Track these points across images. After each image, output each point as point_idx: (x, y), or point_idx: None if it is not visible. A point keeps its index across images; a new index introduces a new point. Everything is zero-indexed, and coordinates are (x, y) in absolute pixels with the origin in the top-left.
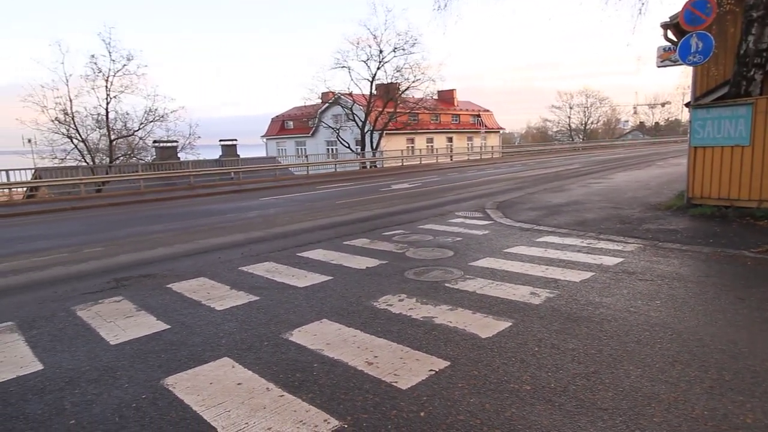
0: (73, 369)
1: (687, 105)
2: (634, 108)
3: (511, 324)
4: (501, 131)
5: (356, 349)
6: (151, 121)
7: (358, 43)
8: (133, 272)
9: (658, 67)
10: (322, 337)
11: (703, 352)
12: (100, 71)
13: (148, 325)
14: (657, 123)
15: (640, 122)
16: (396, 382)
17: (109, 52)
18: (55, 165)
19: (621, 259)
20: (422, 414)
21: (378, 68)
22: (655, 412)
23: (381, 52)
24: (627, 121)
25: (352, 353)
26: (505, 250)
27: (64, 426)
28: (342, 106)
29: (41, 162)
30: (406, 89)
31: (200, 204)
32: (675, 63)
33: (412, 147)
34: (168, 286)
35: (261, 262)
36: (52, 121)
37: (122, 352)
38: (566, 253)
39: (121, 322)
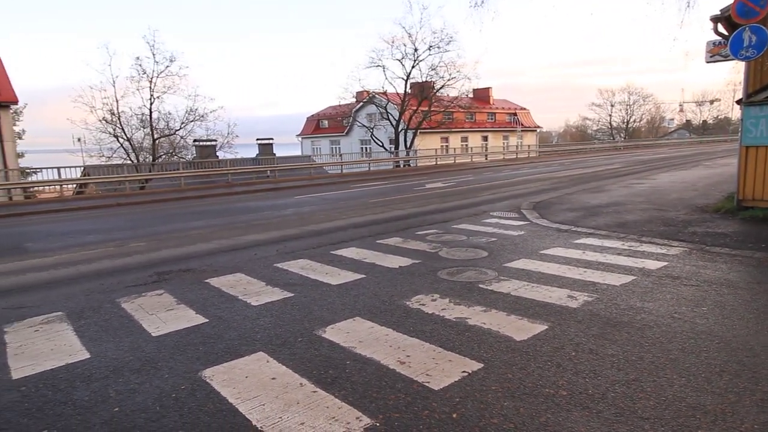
0: (118, 359)
1: (738, 102)
2: (681, 105)
3: (547, 327)
4: (538, 130)
5: (388, 347)
6: (192, 121)
7: (393, 42)
8: (173, 267)
9: (707, 62)
10: (355, 334)
11: (753, 363)
12: (145, 72)
13: (187, 318)
14: (705, 121)
15: (687, 120)
16: (428, 382)
17: (153, 54)
18: (102, 163)
19: (665, 263)
20: (454, 415)
21: (413, 67)
22: (701, 424)
23: (416, 50)
24: (672, 120)
25: (384, 352)
26: (542, 252)
27: (108, 413)
28: (376, 105)
29: (90, 160)
30: (440, 88)
31: (237, 201)
32: (725, 58)
33: (447, 146)
34: (206, 280)
35: (295, 259)
36: (100, 120)
37: (163, 343)
38: (606, 255)
39: (162, 315)
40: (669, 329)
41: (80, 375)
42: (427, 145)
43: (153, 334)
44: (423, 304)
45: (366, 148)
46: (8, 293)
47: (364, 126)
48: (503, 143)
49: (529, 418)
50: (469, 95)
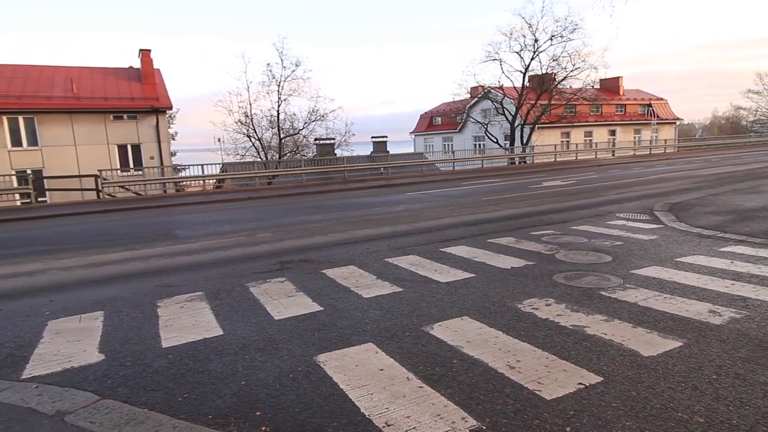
0: (245, 337)
1: None
2: None
3: (681, 344)
4: (677, 122)
5: (497, 350)
6: (313, 121)
7: (511, 34)
8: (294, 257)
9: None
10: (463, 334)
11: None
12: (274, 77)
13: (305, 305)
14: None
15: None
16: (539, 390)
17: (281, 60)
18: (237, 160)
19: None
20: (568, 429)
21: (532, 58)
22: None
23: (536, 41)
24: None
25: (492, 354)
26: (678, 260)
27: (236, 385)
28: (491, 100)
29: (227, 158)
30: (562, 79)
31: (352, 197)
32: None
33: (567, 141)
34: (323, 271)
35: (405, 255)
36: (236, 122)
37: (283, 327)
38: (760, 267)
39: (283, 301)
40: None
41: (215, 349)
42: (546, 140)
43: (275, 318)
44: (536, 308)
45: (479, 144)
46: (161, 273)
47: (478, 122)
48: (634, 138)
49: None
50: (596, 86)
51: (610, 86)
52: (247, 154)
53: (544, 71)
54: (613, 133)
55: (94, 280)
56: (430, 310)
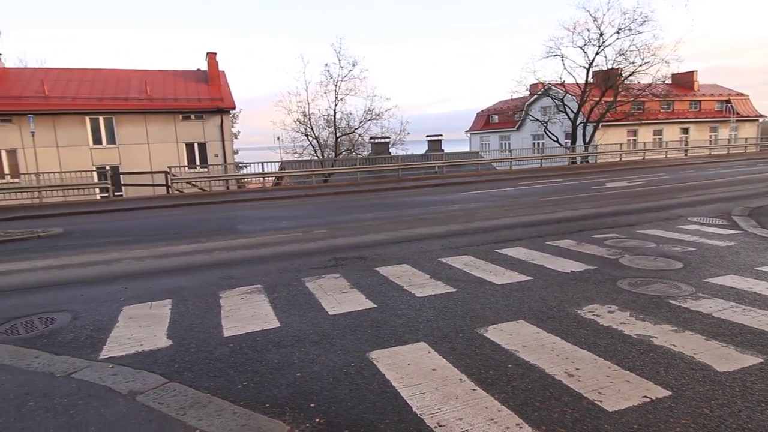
0: (301, 330)
1: None
2: None
3: (762, 361)
4: (760, 120)
5: (555, 356)
6: (369, 120)
7: (574, 28)
8: (348, 254)
9: None
10: (518, 338)
11: None
12: (331, 77)
13: (358, 302)
14: None
15: None
16: (600, 401)
17: (339, 60)
18: (295, 159)
19: None
20: None
21: (597, 53)
22: None
23: (601, 35)
24: None
25: (550, 360)
26: (759, 268)
27: (292, 376)
28: (552, 98)
29: (285, 156)
30: (630, 75)
31: (406, 196)
32: None
33: (634, 140)
34: (376, 269)
35: (459, 255)
36: (295, 121)
37: (337, 322)
38: None
39: (337, 296)
40: None
41: (272, 340)
42: (610, 139)
43: (329, 313)
44: (597, 315)
45: (538, 143)
46: (223, 266)
47: (537, 120)
48: (710, 137)
49: None
50: (667, 81)
51: (684, 81)
52: (304, 152)
53: (609, 66)
54: (685, 131)
55: (164, 270)
56: (484, 312)
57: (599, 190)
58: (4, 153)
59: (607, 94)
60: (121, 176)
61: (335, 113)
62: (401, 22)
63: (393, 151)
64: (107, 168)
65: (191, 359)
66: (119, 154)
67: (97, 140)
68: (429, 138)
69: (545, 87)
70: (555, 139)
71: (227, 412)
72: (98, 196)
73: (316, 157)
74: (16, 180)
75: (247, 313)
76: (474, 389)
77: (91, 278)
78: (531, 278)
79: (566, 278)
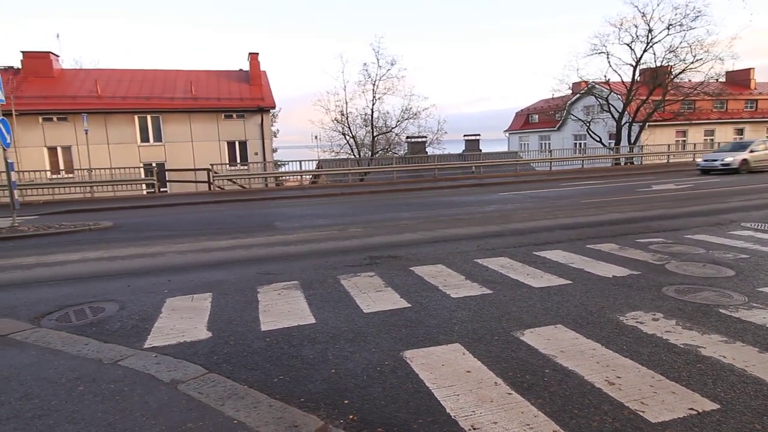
0: (336, 327)
1: None
2: None
3: None
4: None
5: (595, 363)
6: (406, 119)
7: (621, 25)
8: (383, 252)
9: None
10: (556, 343)
11: None
12: (369, 77)
13: (392, 300)
14: None
15: None
16: (642, 411)
17: (377, 59)
18: (332, 157)
19: None
20: None
21: (644, 50)
22: None
23: (650, 31)
24: None
25: (589, 367)
26: None
27: (327, 372)
28: (596, 96)
29: (323, 154)
30: (680, 72)
31: (442, 195)
32: None
33: (684, 141)
34: (411, 268)
35: (496, 256)
36: (332, 121)
37: (371, 320)
38: None
39: (372, 295)
40: None
41: (308, 336)
42: (657, 140)
43: (364, 311)
44: (641, 322)
45: (580, 143)
46: (261, 261)
47: (579, 120)
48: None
49: None
50: (720, 79)
51: (739, 79)
52: (341, 151)
53: (658, 64)
54: (740, 132)
55: (205, 264)
56: (521, 315)
57: (644, 193)
58: (60, 149)
59: (655, 92)
60: (166, 173)
61: (372, 112)
62: (441, 20)
63: (429, 150)
64: (153, 165)
65: (230, 351)
66: (165, 151)
67: (144, 138)
68: (466, 137)
69: (588, 85)
70: (598, 139)
71: (263, 405)
72: (145, 192)
73: (352, 156)
74: (71, 175)
75: (283, 308)
76: (509, 393)
77: (137, 270)
78: (570, 282)
79: (608, 283)
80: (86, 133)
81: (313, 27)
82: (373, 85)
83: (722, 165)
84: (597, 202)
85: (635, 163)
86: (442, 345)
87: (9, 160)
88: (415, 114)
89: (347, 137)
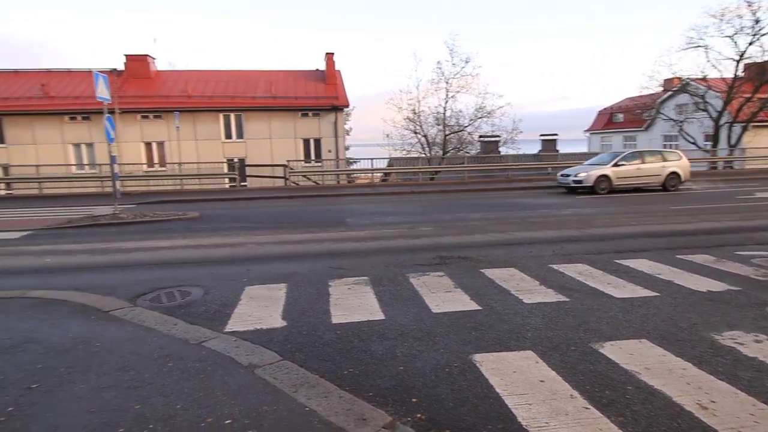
0: (404, 325)
1: None
2: None
3: None
4: None
5: (685, 384)
6: (479, 118)
7: (722, 15)
8: (453, 253)
9: None
10: (641, 359)
11: None
12: (443, 75)
13: (462, 302)
14: None
15: None
16: None
17: (451, 57)
18: (403, 156)
19: None
20: None
21: (750, 43)
22: None
23: (757, 21)
24: None
25: (678, 388)
26: None
27: (395, 369)
28: (690, 94)
29: (394, 153)
30: None
31: (515, 197)
32: None
33: None
34: (481, 270)
35: (573, 263)
36: (404, 119)
37: (440, 320)
38: None
39: (441, 295)
40: None
41: (377, 332)
42: (763, 142)
43: (433, 311)
44: (741, 343)
45: (671, 145)
46: (333, 256)
47: (671, 119)
48: None
49: None
50: None
51: None
52: (412, 149)
53: (766, 58)
54: None
55: (281, 255)
56: (600, 326)
57: (746, 200)
58: (154, 145)
59: (762, 89)
60: (246, 168)
61: (445, 111)
62: (520, 18)
63: (503, 150)
64: (235, 161)
65: (302, 341)
66: (246, 147)
67: (228, 135)
68: (543, 137)
69: (682, 82)
70: (692, 141)
71: (333, 395)
72: (227, 185)
73: (423, 155)
74: (163, 168)
75: (353, 302)
76: (587, 407)
77: (220, 258)
78: (657, 294)
79: (701, 298)
80: (177, 130)
81: (391, 26)
82: (447, 83)
83: (574, 182)
84: (689, 208)
85: (735, 167)
86: (514, 351)
87: (112, 154)
88: (489, 113)
89: (419, 135)
